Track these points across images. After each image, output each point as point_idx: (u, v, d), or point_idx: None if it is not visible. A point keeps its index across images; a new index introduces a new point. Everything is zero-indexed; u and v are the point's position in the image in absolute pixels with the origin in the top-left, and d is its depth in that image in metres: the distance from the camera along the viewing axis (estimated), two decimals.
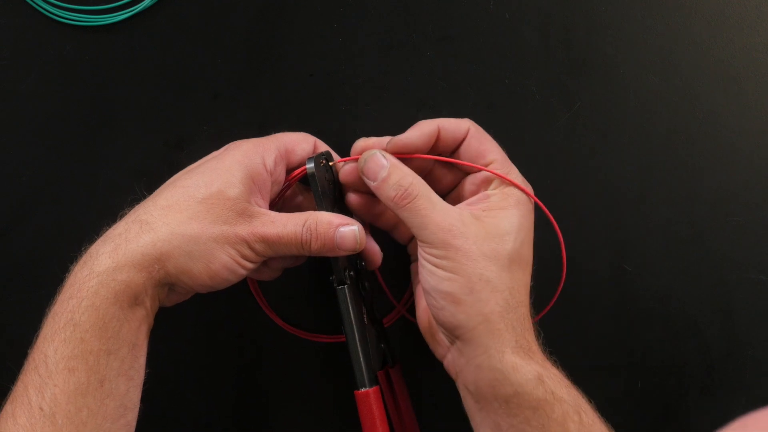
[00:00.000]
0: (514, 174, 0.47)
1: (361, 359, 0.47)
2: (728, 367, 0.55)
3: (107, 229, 0.45)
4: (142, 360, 0.44)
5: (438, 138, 0.47)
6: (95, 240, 0.44)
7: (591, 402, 0.45)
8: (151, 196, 0.46)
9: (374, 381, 0.47)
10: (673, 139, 0.55)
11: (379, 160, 0.46)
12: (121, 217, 0.46)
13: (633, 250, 0.55)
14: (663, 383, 0.55)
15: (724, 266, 0.55)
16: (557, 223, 0.55)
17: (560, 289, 0.52)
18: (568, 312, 0.55)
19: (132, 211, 0.46)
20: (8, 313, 0.56)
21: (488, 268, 0.43)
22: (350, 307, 0.48)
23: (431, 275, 0.44)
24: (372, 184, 0.46)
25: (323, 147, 0.51)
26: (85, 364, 0.40)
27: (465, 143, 0.48)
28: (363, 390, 0.47)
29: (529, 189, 0.48)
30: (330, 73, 0.56)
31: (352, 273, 0.48)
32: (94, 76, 0.56)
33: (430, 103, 0.56)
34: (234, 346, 0.56)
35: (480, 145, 0.48)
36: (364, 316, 0.49)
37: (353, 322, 0.48)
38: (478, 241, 0.43)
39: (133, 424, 0.43)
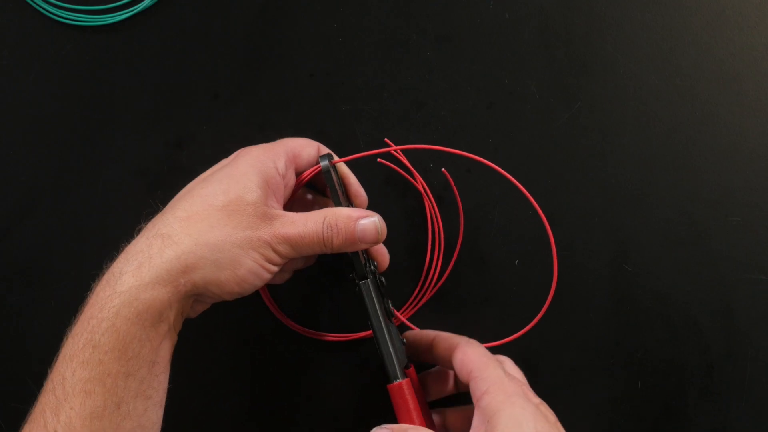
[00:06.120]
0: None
1: (392, 351, 0.47)
2: (728, 367, 0.55)
3: (126, 246, 0.44)
4: (162, 377, 0.43)
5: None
6: (115, 257, 0.43)
7: None
8: (168, 207, 0.45)
9: (404, 373, 0.47)
10: (673, 139, 0.55)
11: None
12: (139, 232, 0.45)
13: (633, 250, 0.55)
14: (663, 383, 0.55)
15: (724, 266, 0.55)
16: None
17: (552, 292, 0.52)
18: (568, 312, 0.55)
19: (150, 224, 0.44)
20: (8, 313, 0.56)
21: None
22: (375, 301, 0.48)
23: None
24: None
25: (325, 151, 0.51)
26: (102, 387, 0.40)
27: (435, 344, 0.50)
28: (396, 382, 0.47)
29: None
30: (330, 73, 0.56)
31: (372, 267, 0.49)
32: (94, 76, 0.56)
33: (430, 103, 0.56)
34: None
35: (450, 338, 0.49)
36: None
37: (380, 316, 0.48)
38: None
39: None
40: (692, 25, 0.56)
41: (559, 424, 0.45)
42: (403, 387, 0.46)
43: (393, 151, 0.55)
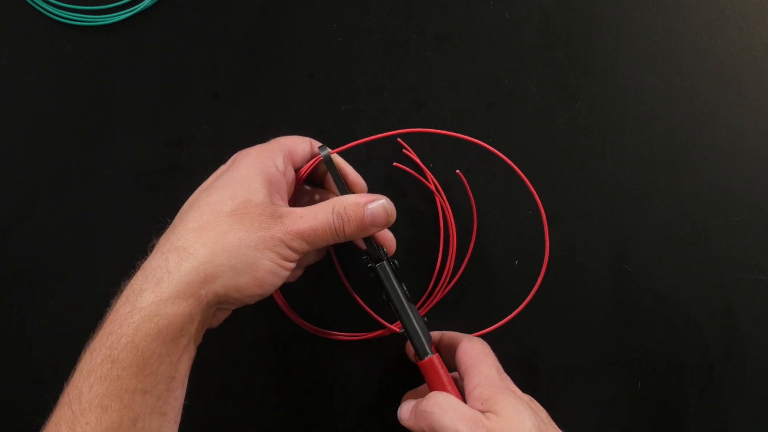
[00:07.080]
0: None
1: (418, 329, 0.48)
2: (728, 367, 0.55)
3: (142, 263, 0.43)
4: (178, 393, 0.43)
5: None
6: (132, 274, 0.43)
7: None
8: (177, 220, 0.45)
9: (432, 349, 0.48)
10: (673, 139, 0.55)
11: (404, 408, 0.47)
12: (152, 248, 0.44)
13: (633, 250, 0.55)
14: (663, 383, 0.55)
15: (724, 266, 0.55)
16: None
17: (541, 277, 0.52)
18: (568, 312, 0.55)
19: (162, 239, 0.44)
20: (8, 313, 0.56)
21: None
22: (394, 281, 0.48)
23: None
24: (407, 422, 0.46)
25: (317, 145, 0.51)
26: (119, 403, 0.40)
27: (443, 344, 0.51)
28: (427, 358, 0.47)
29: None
30: (330, 73, 0.56)
31: (384, 250, 0.49)
32: (94, 76, 0.56)
33: (430, 103, 0.56)
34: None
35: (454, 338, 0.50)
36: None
37: (400, 296, 0.48)
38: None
39: None
40: (692, 25, 0.56)
41: (552, 422, 0.45)
42: (434, 362, 0.47)
43: (396, 141, 0.55)
